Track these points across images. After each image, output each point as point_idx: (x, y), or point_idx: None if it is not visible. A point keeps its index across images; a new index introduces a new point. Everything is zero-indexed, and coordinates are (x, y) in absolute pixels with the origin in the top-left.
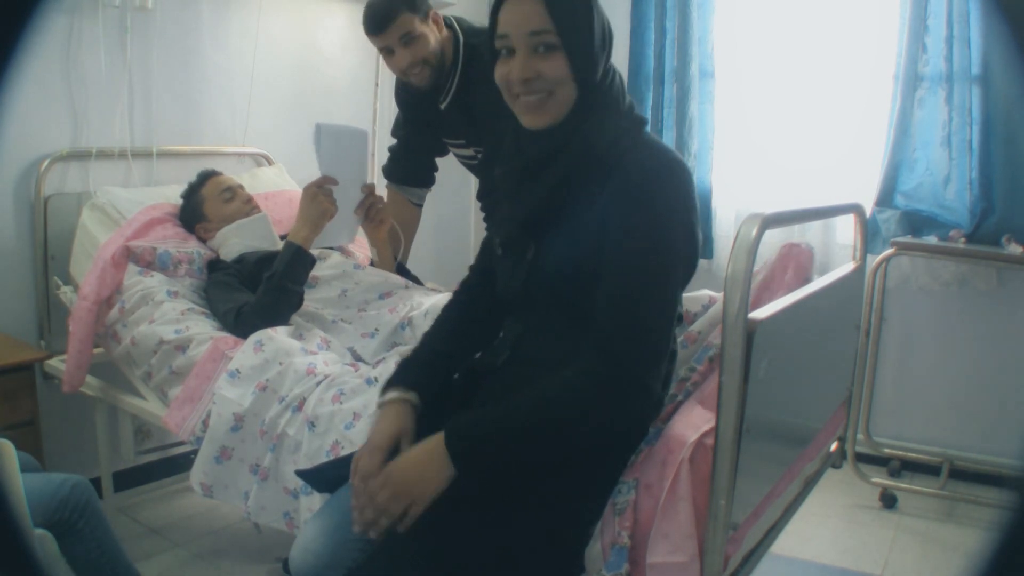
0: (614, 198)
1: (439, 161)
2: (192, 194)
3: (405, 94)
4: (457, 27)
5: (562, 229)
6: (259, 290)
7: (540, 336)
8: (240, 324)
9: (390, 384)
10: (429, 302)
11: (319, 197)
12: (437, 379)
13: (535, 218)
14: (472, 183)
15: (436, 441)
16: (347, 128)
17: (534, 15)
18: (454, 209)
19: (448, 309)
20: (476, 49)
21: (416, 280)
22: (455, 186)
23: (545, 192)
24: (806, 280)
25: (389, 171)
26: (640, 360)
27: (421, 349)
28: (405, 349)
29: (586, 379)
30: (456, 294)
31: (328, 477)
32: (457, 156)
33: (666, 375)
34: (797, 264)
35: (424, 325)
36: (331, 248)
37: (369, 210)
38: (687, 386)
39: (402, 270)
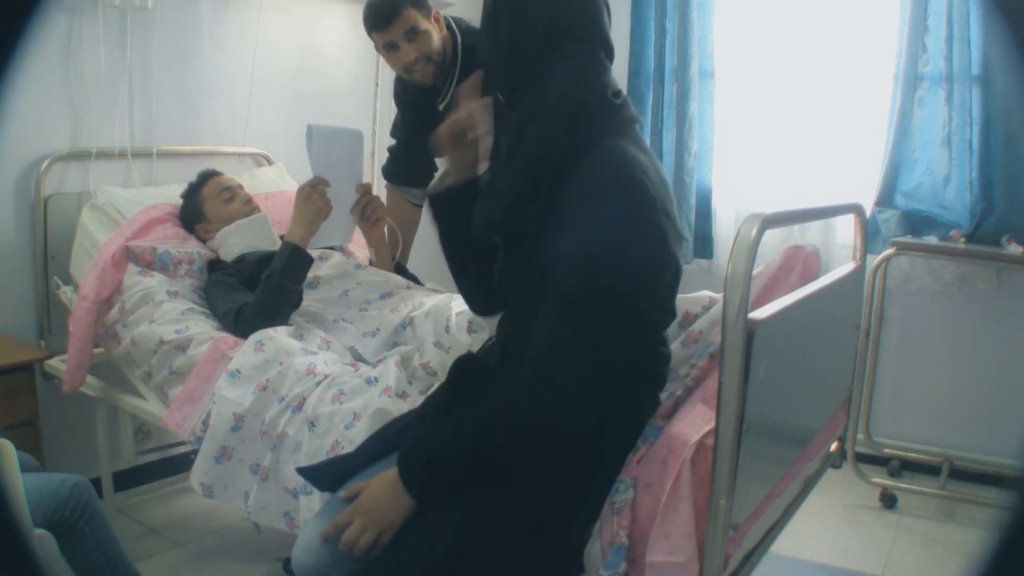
0: (559, 213)
1: (438, 161)
2: (192, 194)
3: (404, 95)
4: (455, 27)
5: (518, 241)
6: (258, 290)
7: (525, 336)
8: (240, 324)
9: None
10: (431, 302)
11: (313, 196)
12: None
13: (498, 224)
14: None
15: (395, 474)
16: (340, 129)
17: None
18: None
19: None
20: (474, 49)
21: (415, 280)
22: None
23: (489, 209)
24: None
25: (388, 172)
26: (558, 396)
27: None
28: (406, 349)
29: (518, 404)
30: None
31: (329, 474)
32: None
33: (661, 377)
34: (804, 267)
35: (425, 325)
36: (332, 248)
37: (365, 209)
38: (687, 382)
39: (400, 270)
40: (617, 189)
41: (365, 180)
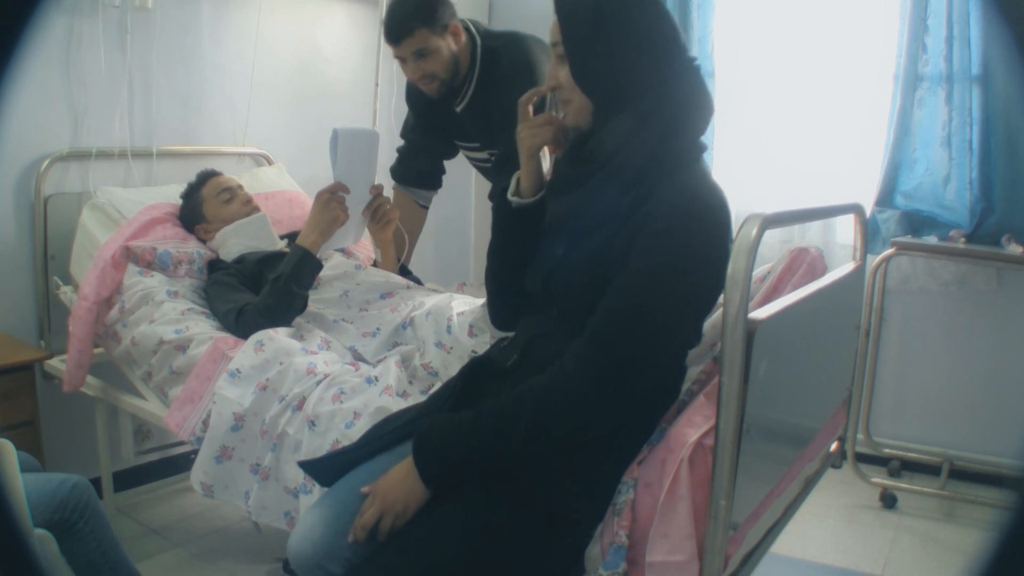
0: (641, 223)
1: (440, 167)
2: (191, 195)
3: (417, 96)
4: (474, 30)
5: (588, 239)
6: (264, 291)
7: (550, 341)
8: (242, 324)
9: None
10: (431, 302)
11: (332, 204)
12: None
13: (562, 223)
14: (473, 183)
15: (411, 462)
16: (362, 131)
17: (555, 27)
18: (454, 210)
19: None
20: (494, 52)
21: (417, 282)
22: (455, 188)
23: (571, 200)
24: None
25: (397, 172)
26: (604, 387)
27: None
28: (407, 349)
29: (548, 401)
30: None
31: (328, 468)
32: (469, 159)
33: (676, 389)
34: (809, 269)
35: (426, 325)
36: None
37: (376, 211)
38: (691, 386)
39: (404, 271)
40: (708, 213)
41: (375, 181)
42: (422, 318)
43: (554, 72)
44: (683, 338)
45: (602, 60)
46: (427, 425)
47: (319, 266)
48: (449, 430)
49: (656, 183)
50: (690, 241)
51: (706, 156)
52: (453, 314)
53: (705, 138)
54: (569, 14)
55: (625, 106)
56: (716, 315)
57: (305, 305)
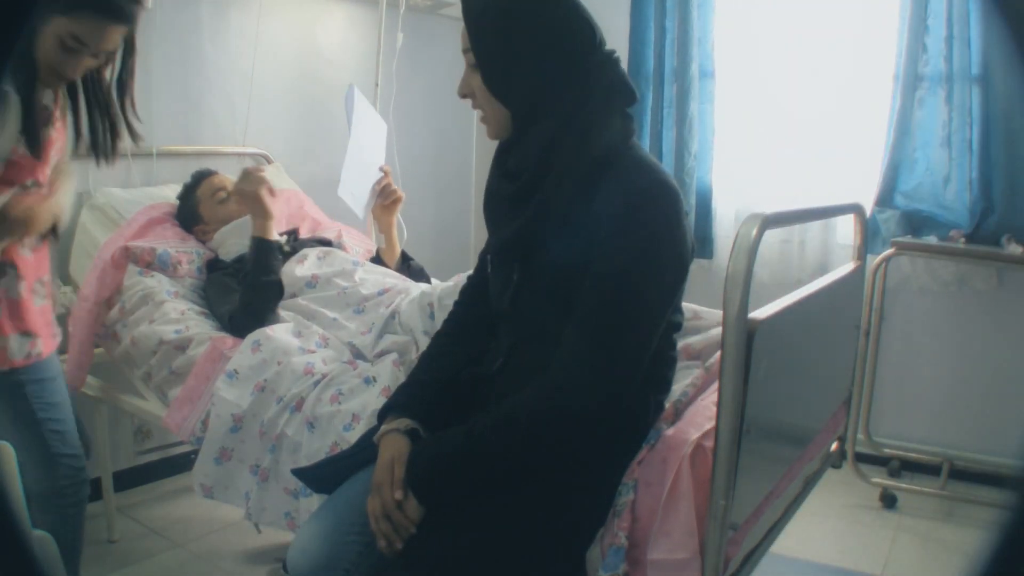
0: (599, 220)
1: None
2: (187, 195)
3: None
4: None
5: (545, 251)
6: (240, 292)
7: (533, 344)
8: (235, 328)
9: (387, 410)
10: (416, 291)
11: (247, 180)
12: (432, 399)
13: (516, 242)
14: (473, 178)
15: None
16: (373, 110)
17: (464, 33)
18: (454, 209)
19: (446, 323)
20: None
21: (422, 270)
22: (455, 186)
23: (522, 220)
24: None
25: None
26: (597, 392)
27: (418, 370)
28: (402, 342)
29: (538, 412)
30: (455, 305)
31: (323, 475)
32: None
33: (667, 382)
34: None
35: (412, 314)
36: (329, 246)
37: (384, 189)
38: (686, 387)
39: (404, 259)
40: (657, 199)
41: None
42: (405, 306)
43: (467, 80)
44: (665, 318)
45: (515, 65)
46: (416, 450)
47: (277, 245)
48: (436, 447)
49: (596, 183)
50: (647, 234)
51: (707, 155)
52: (435, 299)
53: (703, 138)
54: (478, 18)
55: (544, 111)
56: (714, 332)
57: (281, 290)
